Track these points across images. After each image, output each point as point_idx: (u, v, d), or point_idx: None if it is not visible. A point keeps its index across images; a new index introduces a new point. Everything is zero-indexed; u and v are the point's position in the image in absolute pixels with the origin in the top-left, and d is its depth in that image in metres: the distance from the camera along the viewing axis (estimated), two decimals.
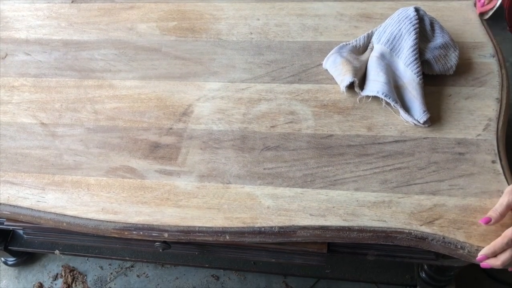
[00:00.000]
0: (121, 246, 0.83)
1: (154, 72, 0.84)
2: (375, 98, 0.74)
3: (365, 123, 0.73)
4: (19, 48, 0.91)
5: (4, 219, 0.76)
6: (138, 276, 1.12)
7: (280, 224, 0.64)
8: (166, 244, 0.73)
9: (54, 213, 0.69)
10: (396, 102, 0.71)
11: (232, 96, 0.79)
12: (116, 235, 0.68)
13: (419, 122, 0.70)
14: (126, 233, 0.67)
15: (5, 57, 0.90)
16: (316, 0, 0.91)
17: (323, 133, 0.72)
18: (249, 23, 0.89)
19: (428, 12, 0.86)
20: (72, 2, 0.97)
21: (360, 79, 0.75)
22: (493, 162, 0.67)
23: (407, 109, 0.72)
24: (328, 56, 0.79)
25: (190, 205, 0.68)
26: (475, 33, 0.81)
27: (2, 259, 1.15)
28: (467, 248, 0.60)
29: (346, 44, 0.80)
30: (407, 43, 0.73)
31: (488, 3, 0.79)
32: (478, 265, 0.60)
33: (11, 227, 0.77)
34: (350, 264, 0.96)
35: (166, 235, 0.66)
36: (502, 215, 0.58)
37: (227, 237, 0.65)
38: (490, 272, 1.02)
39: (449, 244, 0.60)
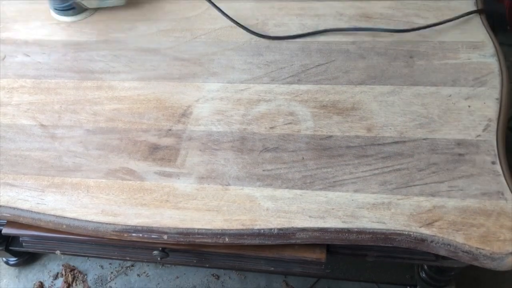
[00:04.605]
0: (120, 254, 0.83)
1: (153, 73, 0.84)
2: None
3: (365, 124, 0.73)
4: (18, 49, 0.91)
5: (5, 221, 0.77)
6: (138, 275, 1.12)
7: (279, 226, 0.64)
8: (164, 253, 0.73)
9: (54, 215, 0.69)
10: None
11: (231, 97, 0.78)
12: (116, 237, 0.68)
13: None
14: (125, 235, 0.67)
15: (4, 58, 0.90)
16: (316, 0, 0.90)
17: (322, 134, 0.72)
18: (248, 23, 0.88)
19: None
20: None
21: None
22: (493, 163, 0.66)
23: None
24: None
25: (189, 207, 0.68)
26: (475, 33, 0.81)
27: (4, 259, 1.15)
28: (466, 250, 0.60)
29: None
30: None
31: None
32: (478, 266, 0.60)
33: (10, 234, 0.77)
34: (350, 264, 0.96)
35: (165, 237, 0.66)
36: None
37: (226, 239, 0.65)
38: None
39: (449, 246, 0.60)
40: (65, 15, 0.94)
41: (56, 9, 0.94)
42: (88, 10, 0.95)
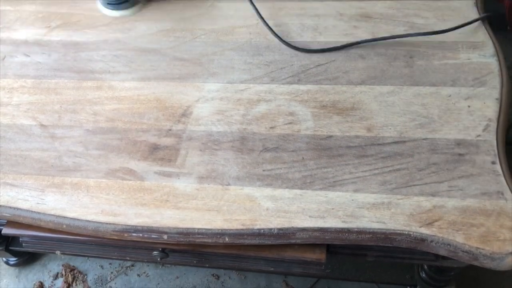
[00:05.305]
0: (120, 254, 0.83)
1: (153, 73, 0.84)
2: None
3: (365, 124, 0.73)
4: (18, 49, 0.91)
5: (5, 221, 0.77)
6: (138, 275, 1.12)
7: (279, 226, 0.64)
8: (164, 253, 0.73)
9: (54, 215, 0.69)
10: None
11: (231, 97, 0.78)
12: (116, 237, 0.68)
13: None
14: (125, 235, 0.67)
15: (4, 58, 0.90)
16: (316, 0, 0.90)
17: (322, 134, 0.72)
18: (248, 23, 0.88)
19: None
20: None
21: None
22: (493, 163, 0.66)
23: None
24: None
25: (189, 207, 0.68)
26: (475, 33, 0.81)
27: (4, 259, 1.15)
28: (466, 250, 0.60)
29: None
30: None
31: None
32: (478, 266, 0.60)
33: (10, 234, 0.77)
34: (350, 264, 0.96)
35: (165, 237, 0.66)
36: None
37: (226, 239, 0.65)
38: None
39: (449, 246, 0.60)
40: (117, 9, 0.93)
41: (109, 3, 0.92)
42: (140, 4, 0.94)
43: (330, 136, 0.72)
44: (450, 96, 0.74)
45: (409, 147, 0.69)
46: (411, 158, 0.68)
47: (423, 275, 0.90)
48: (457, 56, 0.78)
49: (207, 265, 0.84)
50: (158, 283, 1.10)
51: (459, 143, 0.69)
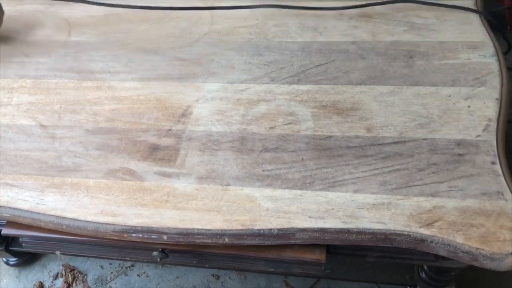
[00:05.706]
0: (119, 254, 0.83)
1: (153, 73, 0.84)
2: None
3: (364, 124, 0.72)
4: (18, 49, 0.91)
5: (5, 222, 0.77)
6: (138, 275, 1.12)
7: (279, 226, 0.64)
8: (164, 253, 0.73)
9: (54, 216, 0.69)
10: None
11: (231, 97, 0.78)
12: (115, 238, 0.68)
13: None
14: (125, 235, 0.67)
15: (4, 58, 0.90)
16: (316, 0, 0.90)
17: (322, 134, 0.72)
18: (248, 23, 0.88)
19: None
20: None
21: None
22: (493, 163, 0.66)
23: None
24: None
25: (189, 207, 0.68)
26: (475, 33, 0.81)
27: (4, 259, 1.15)
28: (466, 250, 0.59)
29: None
30: None
31: None
32: (478, 266, 0.60)
33: (10, 234, 0.77)
34: (350, 264, 0.96)
35: (165, 237, 0.66)
36: None
37: (226, 240, 0.65)
38: None
39: (449, 247, 0.60)
40: None
41: None
42: None
43: (330, 136, 0.72)
44: (450, 96, 0.74)
45: (409, 147, 0.69)
46: (411, 158, 0.68)
47: (423, 276, 0.90)
48: (457, 56, 0.78)
49: (207, 266, 0.84)
50: (158, 283, 1.10)
51: (459, 143, 0.69)
